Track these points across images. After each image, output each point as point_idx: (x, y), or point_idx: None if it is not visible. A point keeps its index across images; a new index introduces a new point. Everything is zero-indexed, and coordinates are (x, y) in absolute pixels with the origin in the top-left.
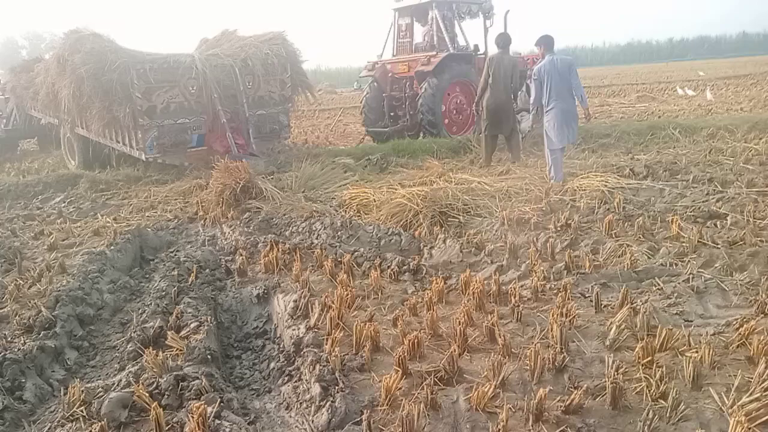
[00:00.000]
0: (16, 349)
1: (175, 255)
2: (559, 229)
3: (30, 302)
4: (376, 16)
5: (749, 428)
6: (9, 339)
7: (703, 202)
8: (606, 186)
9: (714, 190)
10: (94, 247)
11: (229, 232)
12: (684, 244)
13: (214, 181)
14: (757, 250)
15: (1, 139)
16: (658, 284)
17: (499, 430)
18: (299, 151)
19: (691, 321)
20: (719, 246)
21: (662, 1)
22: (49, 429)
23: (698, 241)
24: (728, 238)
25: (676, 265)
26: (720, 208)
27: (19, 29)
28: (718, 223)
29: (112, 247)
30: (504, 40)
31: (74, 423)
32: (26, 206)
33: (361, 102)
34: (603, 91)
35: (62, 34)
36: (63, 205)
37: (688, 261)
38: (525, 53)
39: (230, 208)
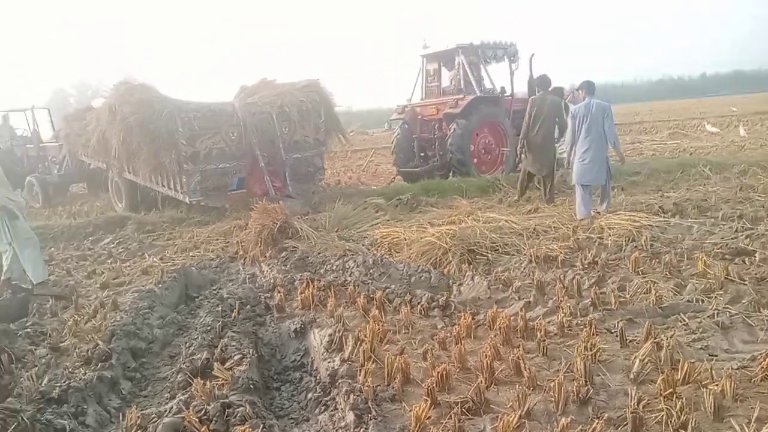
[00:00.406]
0: (78, 379)
1: (218, 292)
2: (586, 266)
3: (87, 336)
4: (405, 59)
5: None
6: (71, 370)
7: (731, 239)
8: (633, 224)
9: (743, 227)
10: (143, 286)
11: (267, 270)
12: (711, 281)
13: (253, 222)
14: None
15: (54, 184)
16: (684, 320)
17: None
18: (333, 191)
19: (716, 355)
20: (746, 282)
21: (694, 38)
22: None
23: (725, 278)
24: (756, 274)
25: (702, 301)
26: (749, 245)
27: (68, 79)
28: (746, 259)
29: (160, 285)
30: (544, 82)
31: None
32: (78, 247)
33: (392, 143)
34: (635, 128)
35: (112, 85)
36: (112, 245)
37: (715, 297)
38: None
39: (268, 247)
